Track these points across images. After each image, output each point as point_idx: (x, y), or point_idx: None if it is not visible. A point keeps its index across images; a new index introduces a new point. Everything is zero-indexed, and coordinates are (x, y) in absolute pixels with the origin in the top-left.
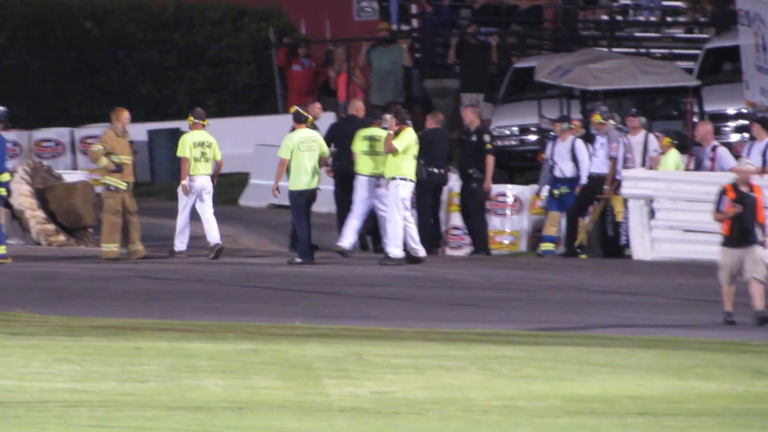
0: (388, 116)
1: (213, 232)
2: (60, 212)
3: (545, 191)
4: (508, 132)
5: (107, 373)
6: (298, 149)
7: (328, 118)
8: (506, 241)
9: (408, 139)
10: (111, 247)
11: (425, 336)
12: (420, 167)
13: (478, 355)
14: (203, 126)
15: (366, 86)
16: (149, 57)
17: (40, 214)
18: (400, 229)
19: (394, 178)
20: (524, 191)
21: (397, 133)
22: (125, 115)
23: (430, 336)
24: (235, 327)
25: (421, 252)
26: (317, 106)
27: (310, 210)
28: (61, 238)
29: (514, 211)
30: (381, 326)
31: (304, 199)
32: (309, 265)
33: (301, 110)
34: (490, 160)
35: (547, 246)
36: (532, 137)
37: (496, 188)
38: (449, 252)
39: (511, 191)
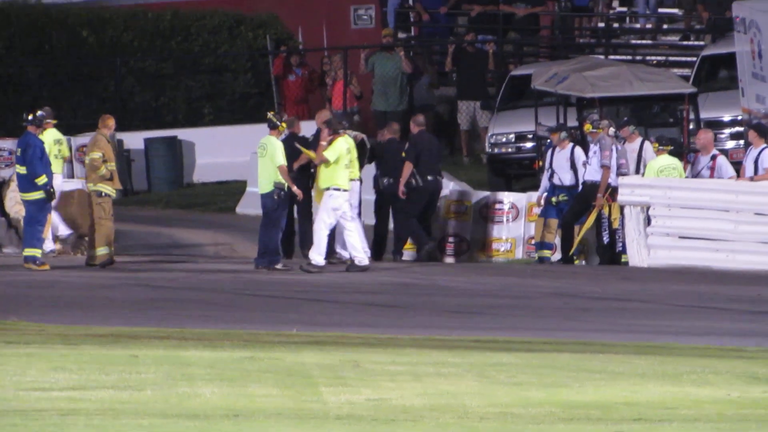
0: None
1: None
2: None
3: (543, 198)
4: (504, 139)
5: (104, 381)
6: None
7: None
8: (503, 249)
9: (338, 149)
10: (106, 251)
11: (422, 343)
12: (375, 178)
13: (475, 362)
14: (53, 124)
15: (363, 94)
16: (146, 65)
17: None
18: (325, 238)
19: (328, 189)
20: (521, 198)
21: (329, 143)
22: (113, 122)
23: (426, 343)
24: (232, 335)
25: (364, 261)
26: (298, 123)
27: (269, 216)
28: (58, 246)
29: (510, 218)
30: (378, 334)
31: (262, 204)
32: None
33: (273, 117)
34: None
35: (544, 253)
36: (529, 144)
37: (492, 195)
38: (447, 259)
39: (507, 198)
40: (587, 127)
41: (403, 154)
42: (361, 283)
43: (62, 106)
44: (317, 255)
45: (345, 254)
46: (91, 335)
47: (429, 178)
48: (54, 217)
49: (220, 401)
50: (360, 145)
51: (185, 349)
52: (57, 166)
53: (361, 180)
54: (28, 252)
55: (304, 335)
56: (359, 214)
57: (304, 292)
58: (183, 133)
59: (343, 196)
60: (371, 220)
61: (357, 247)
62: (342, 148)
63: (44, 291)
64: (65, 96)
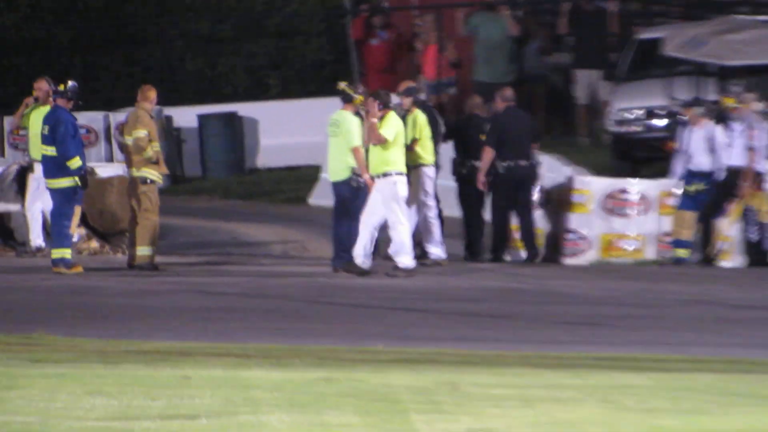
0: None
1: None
2: (93, 213)
3: (679, 187)
4: (630, 116)
5: (150, 407)
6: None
7: None
8: (630, 247)
9: (396, 125)
10: (149, 251)
11: (533, 361)
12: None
13: (597, 384)
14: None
15: (463, 62)
16: (199, 27)
17: None
18: (407, 234)
19: (388, 174)
20: (651, 187)
21: (382, 119)
22: (154, 94)
23: (538, 361)
24: (304, 351)
25: (411, 264)
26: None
27: (345, 208)
28: (94, 244)
29: (639, 210)
30: (480, 350)
31: (335, 194)
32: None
33: (347, 88)
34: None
35: (680, 252)
36: (660, 122)
37: (616, 183)
38: (562, 260)
39: (635, 187)
40: (729, 101)
41: (482, 137)
42: (459, 288)
43: (99, 76)
44: (405, 256)
45: (438, 253)
46: (133, 352)
47: (517, 163)
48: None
49: (289, 431)
50: (432, 122)
51: (247, 368)
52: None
53: (437, 165)
54: (56, 253)
55: (391, 352)
56: (438, 204)
57: (392, 299)
58: (244, 109)
59: (406, 182)
60: (451, 211)
61: (407, 246)
62: (400, 124)
63: (77, 298)
64: (102, 65)
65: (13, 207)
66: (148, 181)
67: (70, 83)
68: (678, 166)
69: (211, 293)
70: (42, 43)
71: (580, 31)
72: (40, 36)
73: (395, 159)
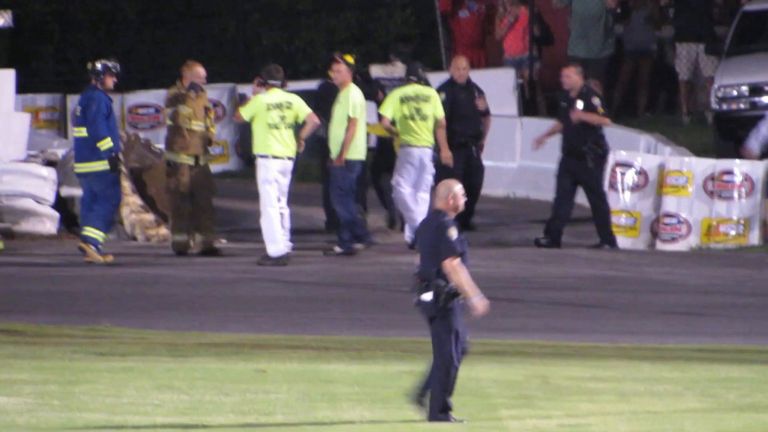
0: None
1: None
2: (161, 199)
3: None
4: (735, 93)
5: (222, 403)
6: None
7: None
8: (733, 232)
9: (255, 105)
10: (180, 237)
11: (629, 353)
12: None
13: (697, 377)
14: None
15: (555, 36)
16: None
17: (136, 201)
18: (275, 221)
19: (264, 156)
20: (757, 168)
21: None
22: (199, 69)
23: (635, 353)
24: (386, 343)
25: (281, 251)
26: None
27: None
28: (163, 231)
29: (743, 193)
30: (572, 341)
31: (357, 172)
32: (349, 256)
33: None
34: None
35: None
36: (767, 99)
37: (719, 164)
38: (660, 246)
39: (739, 168)
40: None
41: (600, 110)
42: (551, 276)
43: (168, 52)
44: (270, 245)
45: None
46: (205, 344)
47: None
48: None
49: (370, 428)
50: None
51: (326, 361)
52: None
53: (435, 147)
54: (89, 231)
55: (477, 343)
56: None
57: (479, 288)
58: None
59: (274, 165)
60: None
61: (269, 234)
62: (261, 104)
63: (145, 288)
64: (171, 39)
65: (77, 191)
66: (170, 163)
67: (103, 63)
68: None
69: (286, 282)
70: (108, 17)
71: (683, 2)
72: (105, 10)
73: (258, 141)
